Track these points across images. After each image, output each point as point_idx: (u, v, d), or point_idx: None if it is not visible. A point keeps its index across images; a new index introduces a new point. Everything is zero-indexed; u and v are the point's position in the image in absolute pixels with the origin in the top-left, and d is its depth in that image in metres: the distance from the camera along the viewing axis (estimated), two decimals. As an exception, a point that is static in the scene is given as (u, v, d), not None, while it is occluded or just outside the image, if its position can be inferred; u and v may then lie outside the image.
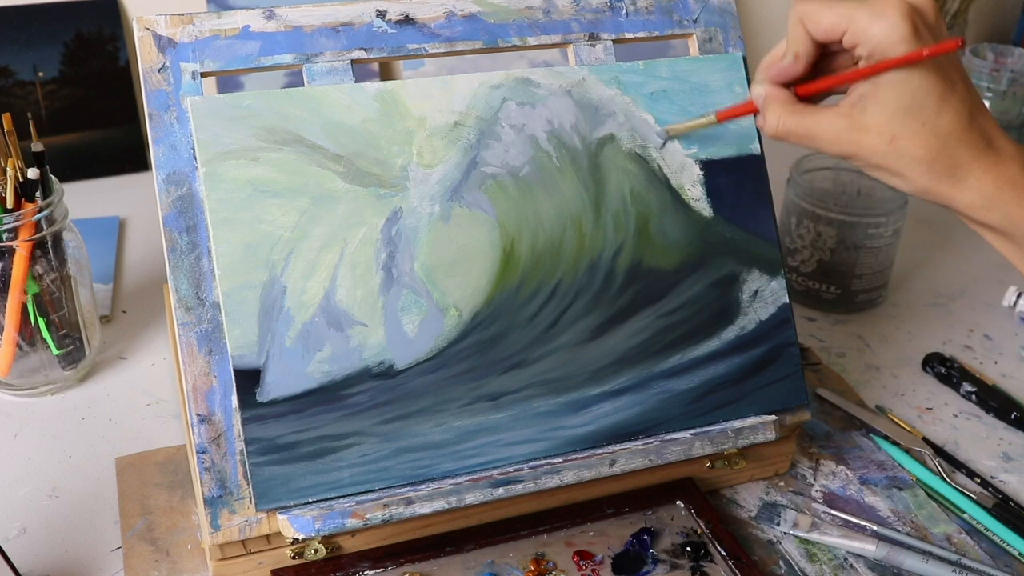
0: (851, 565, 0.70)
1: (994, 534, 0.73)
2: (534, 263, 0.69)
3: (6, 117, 0.77)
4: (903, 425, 0.84)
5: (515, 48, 0.72)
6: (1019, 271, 0.61)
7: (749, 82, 0.75)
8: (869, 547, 0.70)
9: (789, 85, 0.61)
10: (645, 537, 0.69)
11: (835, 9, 0.57)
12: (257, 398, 0.62)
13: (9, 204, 0.78)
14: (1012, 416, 0.85)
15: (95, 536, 0.70)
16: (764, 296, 0.74)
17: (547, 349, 0.68)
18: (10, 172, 0.78)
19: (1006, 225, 0.57)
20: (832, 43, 0.58)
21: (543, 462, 0.66)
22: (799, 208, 0.97)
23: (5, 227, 0.78)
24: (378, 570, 0.66)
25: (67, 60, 1.15)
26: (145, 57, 0.64)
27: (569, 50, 0.73)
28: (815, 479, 0.78)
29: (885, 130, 0.55)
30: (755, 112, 0.63)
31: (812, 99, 0.61)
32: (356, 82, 0.67)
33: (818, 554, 0.71)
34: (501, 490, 0.65)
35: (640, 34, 0.75)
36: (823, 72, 0.61)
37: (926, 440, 0.82)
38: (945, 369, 0.90)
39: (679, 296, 0.71)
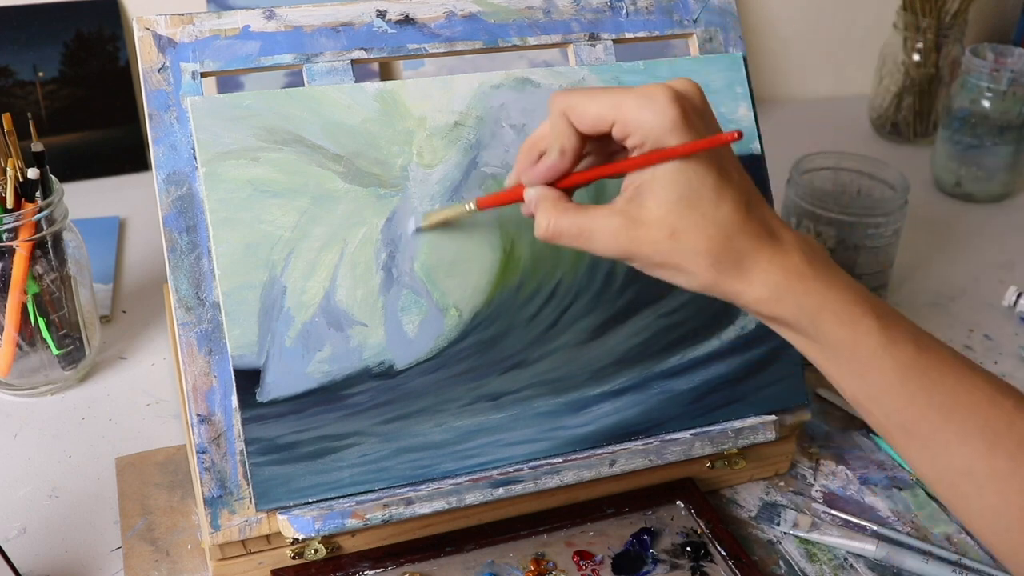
0: (851, 565, 0.70)
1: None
2: (534, 263, 0.69)
3: (6, 117, 0.77)
4: (903, 425, 0.84)
5: (515, 48, 0.72)
6: (821, 370, 0.56)
7: (749, 82, 0.75)
8: (869, 547, 0.70)
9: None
10: (645, 537, 0.69)
11: (600, 99, 0.53)
12: (257, 398, 0.62)
13: (9, 204, 0.78)
14: (1012, 416, 0.85)
15: (95, 536, 0.70)
16: (764, 296, 0.73)
17: (547, 349, 0.68)
18: (10, 172, 0.78)
19: (799, 317, 0.53)
20: (600, 135, 0.54)
21: (543, 462, 0.66)
22: (799, 208, 0.97)
23: (5, 227, 0.78)
24: (378, 570, 0.66)
25: (67, 60, 1.15)
26: (145, 57, 0.64)
27: (569, 50, 0.73)
28: (815, 479, 0.78)
29: (665, 224, 0.52)
30: (518, 200, 0.58)
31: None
32: (356, 82, 0.67)
33: (818, 554, 0.71)
34: (501, 490, 0.65)
35: (640, 34, 0.75)
36: (593, 163, 0.57)
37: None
38: (945, 369, 0.89)
39: (679, 296, 0.71)
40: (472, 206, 0.62)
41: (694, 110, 0.53)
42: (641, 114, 0.52)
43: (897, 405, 0.53)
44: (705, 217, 0.52)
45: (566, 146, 0.55)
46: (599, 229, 0.53)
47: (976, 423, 0.52)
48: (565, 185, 0.56)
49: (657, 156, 0.52)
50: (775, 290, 0.53)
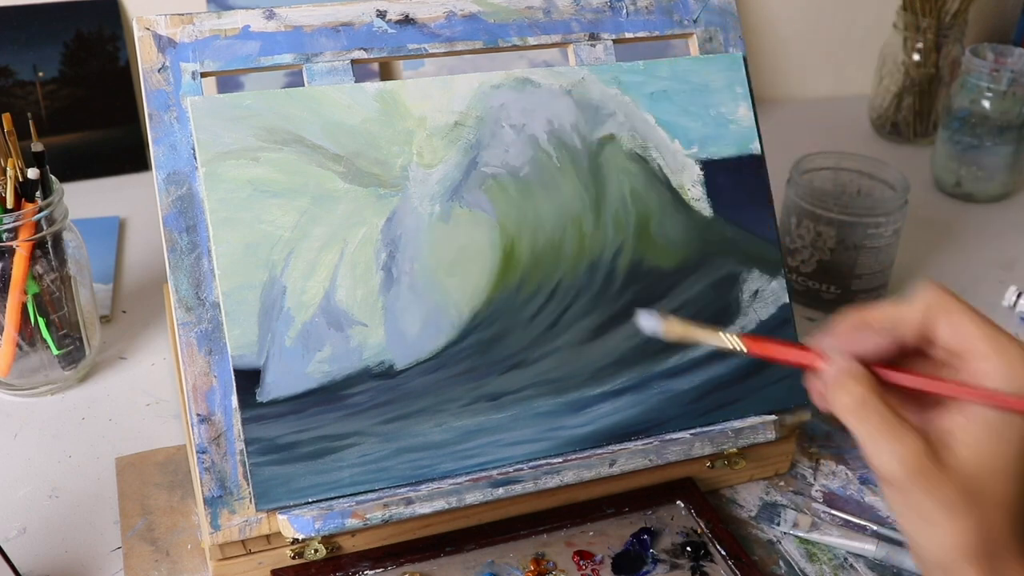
0: (851, 565, 0.70)
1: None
2: (534, 263, 0.69)
3: (6, 117, 0.77)
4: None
5: (515, 48, 0.72)
6: None
7: (749, 82, 0.75)
8: (869, 547, 0.70)
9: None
10: (645, 537, 0.69)
11: (981, 325, 0.46)
12: (257, 398, 0.62)
13: (9, 204, 0.78)
14: (1012, 416, 0.85)
15: (95, 536, 0.70)
16: (764, 296, 0.74)
17: (547, 349, 0.68)
18: (10, 172, 0.78)
19: None
20: (928, 346, 0.48)
21: (543, 462, 0.66)
22: (799, 208, 0.97)
23: (5, 227, 0.78)
24: (378, 570, 0.66)
25: (67, 60, 1.15)
26: (145, 57, 0.64)
27: (569, 50, 0.73)
28: (815, 479, 0.78)
29: (966, 481, 0.45)
30: (804, 367, 0.50)
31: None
32: (356, 82, 0.67)
33: (818, 554, 0.71)
34: (501, 490, 0.65)
35: (640, 34, 0.75)
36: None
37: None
38: (945, 369, 0.90)
39: (679, 296, 0.71)
40: (739, 345, 0.51)
41: None
42: (1017, 366, 0.45)
43: None
44: (1006, 495, 0.45)
45: (907, 335, 0.48)
46: (892, 442, 0.46)
47: None
48: (885, 378, 0.48)
49: (1004, 400, 0.45)
50: None
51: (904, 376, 0.48)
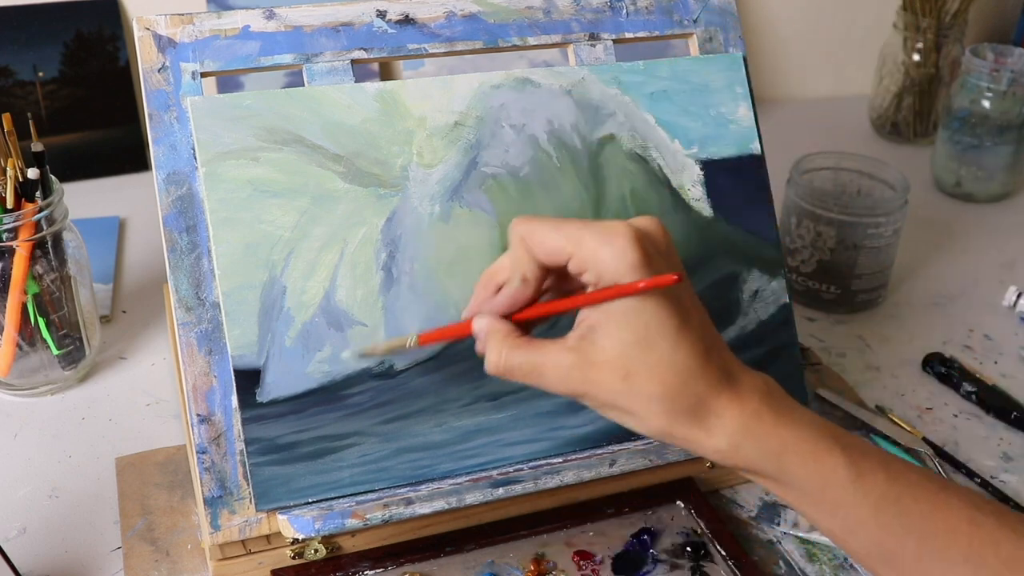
0: (851, 565, 0.70)
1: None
2: (534, 263, 0.68)
3: (6, 117, 0.77)
4: (903, 425, 0.84)
5: (515, 48, 0.72)
6: (794, 509, 0.54)
7: (749, 82, 0.75)
8: None
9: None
10: (645, 537, 0.69)
11: (561, 230, 0.51)
12: (257, 398, 0.62)
13: (9, 204, 0.78)
14: (1012, 416, 0.85)
15: (95, 536, 0.70)
16: (764, 296, 0.74)
17: (547, 349, 0.68)
18: (10, 172, 0.78)
19: (762, 463, 0.51)
20: (558, 267, 0.52)
21: (543, 462, 0.66)
22: (799, 208, 0.97)
23: (5, 227, 0.78)
24: (378, 570, 0.66)
25: (67, 60, 1.15)
26: (145, 57, 0.64)
27: (569, 50, 0.73)
28: (815, 479, 0.78)
29: (618, 366, 0.49)
30: (465, 335, 0.55)
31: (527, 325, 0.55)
32: (356, 82, 0.67)
33: (818, 554, 0.71)
34: (501, 490, 0.65)
35: (640, 34, 0.75)
36: (553, 298, 0.55)
37: (926, 440, 0.82)
38: (945, 369, 0.90)
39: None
40: (413, 342, 0.58)
41: (656, 250, 0.51)
42: (600, 251, 0.50)
43: (874, 538, 0.51)
44: (661, 361, 0.50)
45: (527, 274, 0.52)
46: (551, 367, 0.51)
47: (958, 548, 0.50)
48: (519, 319, 0.54)
49: (607, 294, 0.49)
50: (733, 438, 0.51)
51: (535, 310, 0.53)
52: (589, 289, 0.51)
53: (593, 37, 0.73)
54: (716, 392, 0.51)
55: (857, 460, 0.51)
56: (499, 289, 0.54)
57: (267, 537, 0.64)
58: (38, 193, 0.79)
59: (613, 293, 0.50)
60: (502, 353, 0.52)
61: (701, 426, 0.51)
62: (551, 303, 0.53)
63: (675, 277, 0.48)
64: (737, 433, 0.51)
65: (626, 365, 0.50)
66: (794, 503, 0.53)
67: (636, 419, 0.51)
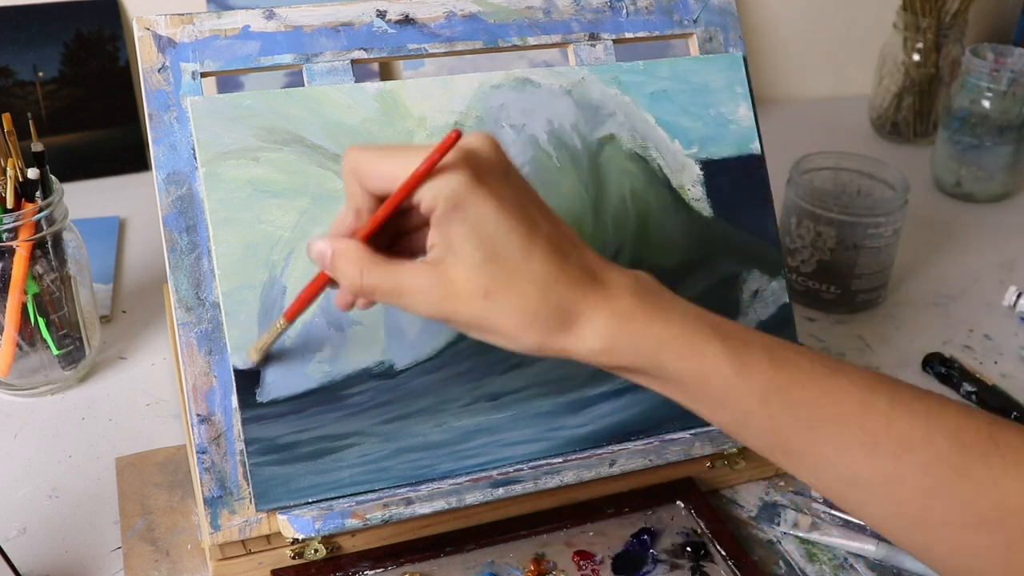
0: (851, 565, 0.70)
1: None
2: (534, 263, 0.68)
3: (6, 117, 0.77)
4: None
5: (515, 48, 0.72)
6: (685, 407, 0.53)
7: (749, 82, 0.75)
8: (869, 547, 0.70)
9: None
10: (645, 537, 0.69)
11: (393, 157, 0.50)
12: (257, 398, 0.62)
13: (9, 204, 0.78)
14: (1012, 416, 0.85)
15: (95, 536, 0.70)
16: (764, 296, 0.74)
17: (547, 349, 0.68)
18: (10, 172, 0.78)
19: (640, 361, 0.50)
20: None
21: (543, 462, 0.66)
22: (799, 208, 0.97)
23: (5, 227, 0.78)
24: (378, 570, 0.66)
25: (67, 60, 1.15)
26: (145, 57, 0.64)
27: (569, 50, 0.73)
28: (815, 479, 0.78)
29: (475, 285, 0.48)
30: (322, 286, 0.54)
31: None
32: (356, 82, 0.67)
33: (818, 554, 0.71)
34: (501, 490, 0.65)
35: (640, 34, 0.75)
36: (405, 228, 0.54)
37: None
38: (945, 369, 0.90)
39: (680, 294, 0.71)
40: (282, 321, 0.58)
41: (489, 167, 0.49)
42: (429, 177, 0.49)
43: (765, 428, 0.50)
44: (517, 272, 0.48)
45: (361, 207, 0.51)
46: (413, 288, 0.49)
47: (851, 431, 0.49)
48: (361, 238, 0.52)
49: (420, 171, 0.48)
50: (607, 339, 0.49)
51: (369, 223, 0.51)
52: (431, 218, 0.49)
53: (593, 37, 0.73)
54: (581, 294, 0.49)
55: (739, 349, 0.50)
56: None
57: (267, 537, 0.64)
58: (38, 193, 0.79)
59: (423, 170, 0.48)
60: (360, 271, 0.50)
61: (572, 332, 0.49)
62: (378, 212, 0.51)
63: (455, 133, 0.47)
64: (610, 335, 0.49)
65: (483, 283, 0.48)
66: (681, 400, 0.52)
67: (506, 338, 0.50)
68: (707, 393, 0.51)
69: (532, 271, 0.49)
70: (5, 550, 0.62)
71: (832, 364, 0.51)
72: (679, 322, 0.50)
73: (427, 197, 0.49)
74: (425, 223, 0.51)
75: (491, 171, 0.49)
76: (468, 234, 0.48)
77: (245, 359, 0.62)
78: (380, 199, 0.51)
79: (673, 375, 0.50)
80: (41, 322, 0.82)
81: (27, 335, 0.82)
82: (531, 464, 0.66)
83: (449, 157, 0.49)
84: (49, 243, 0.80)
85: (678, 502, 0.73)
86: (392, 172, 0.50)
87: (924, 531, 0.49)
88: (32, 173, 0.78)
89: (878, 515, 0.50)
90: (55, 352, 0.83)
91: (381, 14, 0.69)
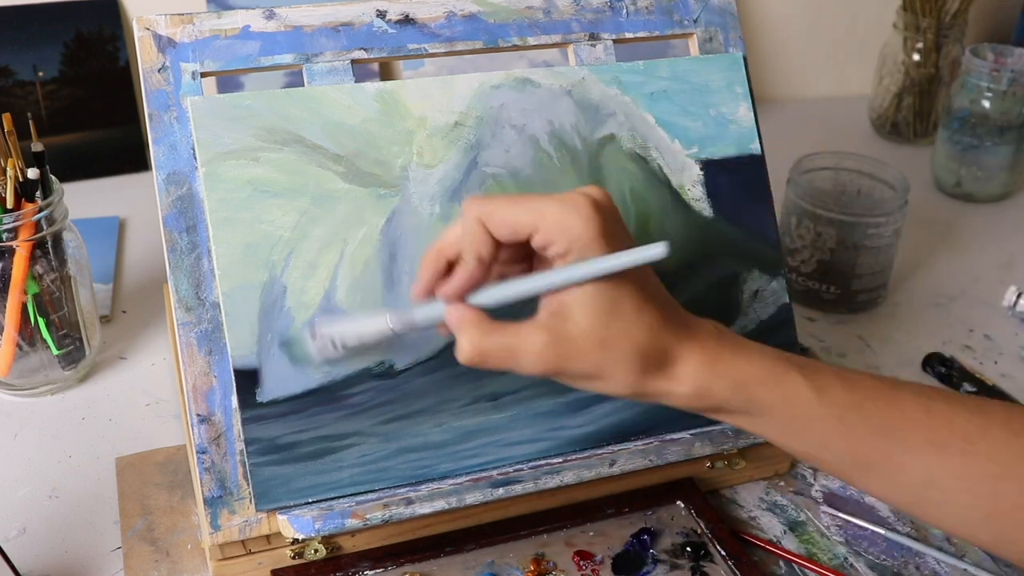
0: (851, 565, 0.70)
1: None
2: (534, 263, 0.68)
3: (6, 117, 0.77)
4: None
5: (515, 48, 0.72)
6: (769, 440, 0.57)
7: (749, 82, 0.75)
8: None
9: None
10: (645, 537, 0.69)
11: (521, 206, 0.52)
12: (257, 398, 0.62)
13: (9, 204, 0.78)
14: (1012, 416, 0.85)
15: (95, 536, 0.70)
16: (764, 296, 0.74)
17: (547, 349, 0.68)
18: (10, 172, 0.78)
19: (730, 397, 0.54)
20: (516, 243, 0.53)
21: (543, 462, 0.66)
22: (799, 208, 0.97)
23: (5, 227, 0.78)
24: (378, 570, 0.66)
25: (67, 60, 1.15)
26: (145, 57, 0.64)
27: (569, 50, 0.73)
28: (815, 479, 0.78)
29: (593, 336, 0.51)
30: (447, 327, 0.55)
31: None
32: (356, 82, 0.67)
33: (818, 554, 0.71)
34: (501, 490, 0.65)
35: (640, 34, 0.75)
36: (503, 274, 0.56)
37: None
38: (945, 369, 0.90)
39: (679, 296, 0.71)
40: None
41: (612, 218, 0.53)
42: (568, 220, 0.51)
43: (845, 445, 0.54)
44: (632, 323, 0.52)
45: (483, 254, 0.53)
46: (526, 349, 0.52)
47: (920, 434, 0.53)
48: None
49: (600, 267, 0.51)
50: (701, 379, 0.53)
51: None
52: (557, 263, 0.52)
53: (593, 37, 0.73)
54: (678, 341, 0.53)
55: (814, 376, 0.54)
56: (447, 267, 0.55)
57: (267, 537, 0.64)
58: (38, 193, 0.79)
59: (603, 267, 0.51)
60: (474, 340, 0.53)
61: (670, 375, 0.53)
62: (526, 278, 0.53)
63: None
64: (703, 375, 0.53)
65: (600, 334, 0.51)
66: (768, 432, 0.56)
67: (610, 383, 0.53)
68: (793, 419, 0.55)
69: (644, 321, 0.52)
70: (5, 550, 0.62)
71: (890, 379, 0.56)
72: (759, 358, 0.54)
73: (560, 243, 0.52)
74: (512, 259, 0.55)
75: (615, 224, 0.53)
76: (594, 287, 0.51)
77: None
78: (499, 245, 0.54)
79: (763, 407, 0.54)
80: (41, 322, 0.82)
81: (27, 335, 0.82)
82: (531, 464, 0.66)
83: (581, 200, 0.51)
84: (49, 243, 0.80)
85: (678, 502, 0.73)
86: (524, 220, 0.52)
87: (998, 519, 0.53)
88: (32, 173, 0.78)
89: (954, 513, 0.54)
90: (55, 352, 0.83)
91: (381, 14, 0.69)
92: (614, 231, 0.52)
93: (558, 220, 0.51)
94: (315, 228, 0.64)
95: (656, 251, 0.50)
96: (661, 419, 0.70)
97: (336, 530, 0.62)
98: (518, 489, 0.65)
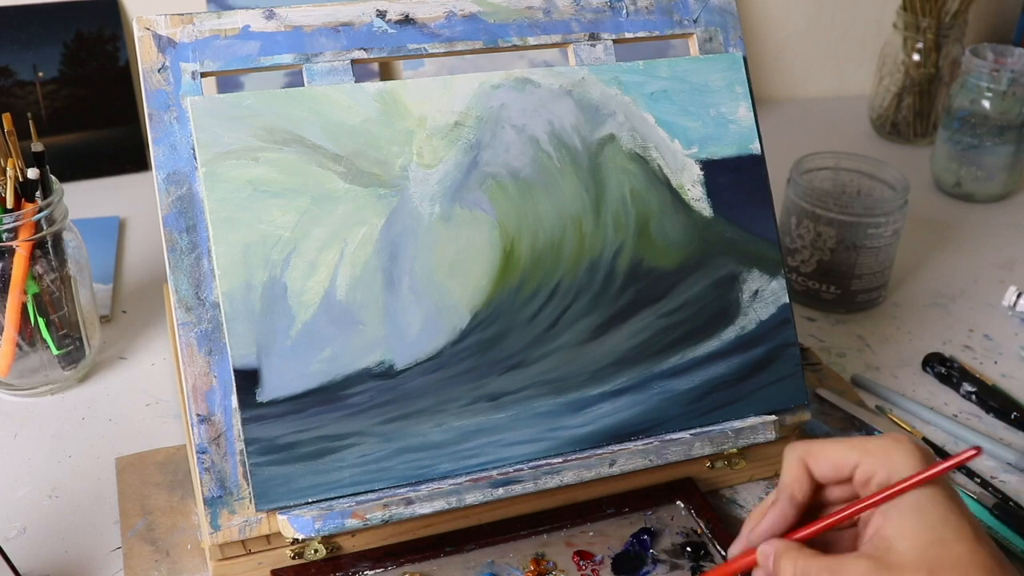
0: (851, 565, 0.70)
1: (995, 533, 0.73)
2: (534, 263, 0.69)
3: (6, 117, 0.77)
4: (903, 425, 0.84)
5: (515, 48, 0.72)
6: None
7: (749, 82, 0.75)
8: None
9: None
10: (645, 537, 0.69)
11: (843, 442, 0.53)
12: (257, 398, 0.62)
13: (9, 204, 0.78)
14: (1012, 416, 0.85)
15: (95, 536, 0.70)
16: (764, 296, 0.74)
17: (547, 349, 0.68)
18: (10, 172, 0.78)
19: None
20: (835, 482, 0.54)
21: (543, 462, 0.66)
22: (799, 208, 0.97)
23: (5, 227, 0.78)
24: (378, 570, 0.66)
25: (67, 60, 1.15)
26: (145, 57, 0.64)
27: (569, 50, 0.73)
28: (815, 479, 0.78)
29: (920, 566, 0.49)
30: (749, 567, 0.54)
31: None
32: (356, 82, 0.67)
33: (818, 554, 0.71)
34: (501, 490, 0.65)
35: (640, 34, 0.75)
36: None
37: (926, 440, 0.82)
38: (945, 369, 0.90)
39: (679, 296, 0.71)
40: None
41: (931, 457, 0.52)
42: (891, 451, 0.51)
43: None
44: (962, 558, 0.50)
45: (798, 494, 0.53)
46: (848, 570, 0.50)
47: None
48: (794, 538, 0.53)
49: (902, 487, 0.50)
50: None
51: (811, 527, 0.53)
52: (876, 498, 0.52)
53: (593, 37, 0.73)
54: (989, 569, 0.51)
55: None
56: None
57: (267, 537, 0.64)
58: (38, 193, 0.79)
59: (906, 486, 0.50)
60: (797, 561, 0.52)
61: None
62: (835, 513, 0.53)
63: (975, 451, 0.49)
64: None
65: (928, 565, 0.50)
66: None
67: None
68: None
69: (978, 560, 0.50)
70: (5, 550, 0.62)
71: None
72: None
73: (882, 473, 0.51)
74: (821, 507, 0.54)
75: (933, 459, 0.52)
76: (915, 515, 0.50)
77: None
78: (815, 487, 0.53)
79: None
80: (41, 322, 0.82)
81: (27, 335, 0.82)
82: (531, 464, 0.66)
83: (903, 441, 0.51)
84: (49, 243, 0.80)
85: (678, 502, 0.73)
86: (847, 456, 0.52)
87: None
88: (32, 173, 0.78)
89: None
90: (55, 352, 0.83)
91: (381, 14, 0.69)
92: (933, 464, 0.51)
93: (880, 452, 0.51)
94: (315, 228, 0.64)
95: (969, 453, 0.49)
96: (661, 419, 0.70)
97: (336, 530, 0.62)
98: (518, 489, 0.65)
